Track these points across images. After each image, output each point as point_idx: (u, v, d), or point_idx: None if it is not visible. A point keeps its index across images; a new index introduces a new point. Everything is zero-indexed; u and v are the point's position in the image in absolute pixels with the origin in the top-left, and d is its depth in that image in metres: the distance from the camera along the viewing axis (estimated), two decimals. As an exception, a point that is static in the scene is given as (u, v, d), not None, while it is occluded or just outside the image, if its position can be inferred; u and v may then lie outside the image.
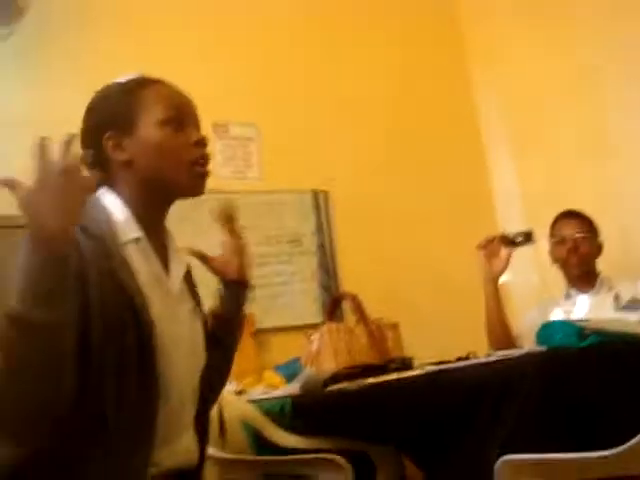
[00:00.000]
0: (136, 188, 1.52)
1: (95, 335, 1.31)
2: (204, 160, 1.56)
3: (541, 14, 4.23)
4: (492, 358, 2.03)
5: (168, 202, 1.58)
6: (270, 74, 4.00)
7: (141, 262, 1.47)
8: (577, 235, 3.09)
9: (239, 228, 1.84)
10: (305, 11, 4.24)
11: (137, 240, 1.48)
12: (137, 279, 1.43)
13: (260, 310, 3.59)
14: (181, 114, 1.56)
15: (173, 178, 1.52)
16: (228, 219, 1.89)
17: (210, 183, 3.43)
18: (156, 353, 1.40)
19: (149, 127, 1.52)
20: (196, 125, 1.60)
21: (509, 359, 1.90)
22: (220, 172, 3.73)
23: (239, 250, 1.81)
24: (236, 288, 1.78)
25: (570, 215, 3.19)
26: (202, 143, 1.56)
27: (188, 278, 1.65)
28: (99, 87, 1.62)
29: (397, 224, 4.15)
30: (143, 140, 1.52)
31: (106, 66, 3.18)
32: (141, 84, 1.58)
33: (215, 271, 1.82)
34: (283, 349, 3.43)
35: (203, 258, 1.85)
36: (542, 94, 4.21)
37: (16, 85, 3.34)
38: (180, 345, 1.49)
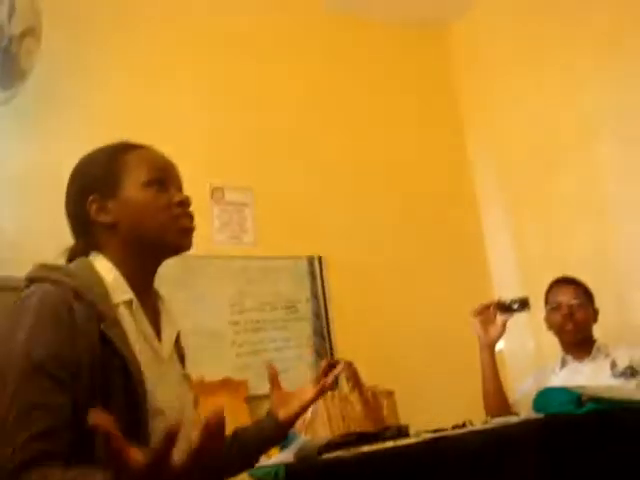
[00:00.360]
0: (123, 250, 1.53)
1: (83, 398, 1.30)
2: (188, 217, 1.57)
3: (536, 77, 4.31)
4: (489, 425, 2.01)
5: (156, 261, 1.58)
6: (266, 139, 4.04)
7: (132, 324, 1.46)
8: (572, 302, 3.09)
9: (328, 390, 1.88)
10: (301, 77, 4.31)
11: (129, 302, 1.48)
12: (128, 341, 1.42)
13: (254, 376, 3.57)
14: (163, 176, 1.57)
15: (158, 236, 1.53)
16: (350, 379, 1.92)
17: (206, 248, 3.45)
18: (147, 415, 1.38)
19: (133, 189, 1.54)
20: (179, 187, 1.61)
21: (507, 426, 1.88)
22: (216, 237, 3.75)
23: (306, 405, 1.82)
24: (275, 428, 1.78)
25: (565, 281, 3.19)
26: (185, 203, 1.57)
27: (178, 343, 1.64)
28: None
29: (392, 290, 4.15)
30: (127, 202, 1.53)
31: (105, 130, 3.21)
32: (124, 149, 1.60)
33: (274, 398, 1.84)
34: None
35: (274, 379, 1.88)
36: (537, 157, 4.26)
37: (18, 146, 3.36)
38: (171, 408, 1.47)
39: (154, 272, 1.59)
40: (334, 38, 4.53)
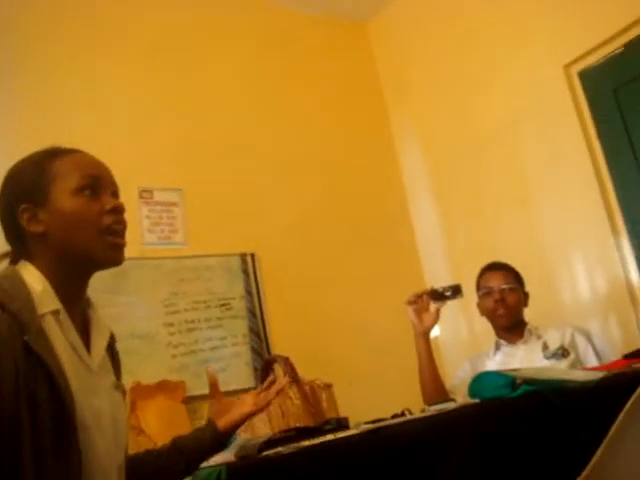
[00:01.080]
0: (53, 260, 1.49)
1: (7, 410, 1.27)
2: (119, 227, 1.53)
3: (456, 67, 4.37)
4: (427, 413, 2.03)
5: (86, 273, 1.55)
6: (194, 138, 4.01)
7: (59, 335, 1.43)
8: (503, 286, 3.14)
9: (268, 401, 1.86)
10: (228, 75, 4.29)
11: (56, 312, 1.45)
12: (54, 352, 1.39)
13: (191, 377, 3.55)
14: (95, 182, 1.53)
15: (87, 249, 1.49)
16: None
17: (137, 250, 3.39)
18: (75, 427, 1.35)
19: (62, 197, 1.49)
20: (113, 192, 1.57)
21: (444, 413, 1.90)
22: (146, 238, 3.70)
23: (245, 417, 1.81)
24: (214, 438, 1.76)
25: (495, 267, 3.25)
26: (117, 210, 1.53)
27: (111, 350, 1.61)
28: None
29: (326, 284, 4.17)
30: (56, 211, 1.49)
31: (31, 135, 3.16)
32: (53, 155, 1.55)
33: (213, 406, 1.82)
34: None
35: (213, 386, 1.87)
36: (462, 146, 4.33)
37: None
38: (101, 419, 1.45)
39: (86, 282, 1.56)
40: (262, 34, 4.52)
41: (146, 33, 4.05)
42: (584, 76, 3.74)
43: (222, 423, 1.77)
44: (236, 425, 1.78)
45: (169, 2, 4.18)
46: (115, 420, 1.52)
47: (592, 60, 3.69)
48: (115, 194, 1.57)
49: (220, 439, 1.76)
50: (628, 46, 3.54)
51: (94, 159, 1.59)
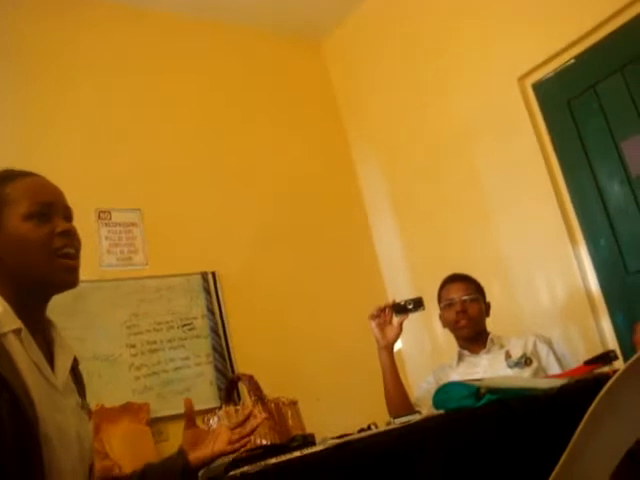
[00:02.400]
0: (9, 283, 1.49)
1: None
2: (70, 250, 1.53)
3: (411, 83, 4.41)
4: (392, 427, 2.03)
5: (43, 296, 1.55)
6: (151, 158, 3.99)
7: (22, 352, 1.42)
8: (464, 297, 3.17)
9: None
10: (185, 95, 4.28)
11: (17, 331, 1.44)
12: (17, 369, 1.37)
13: (155, 398, 3.52)
14: (46, 207, 1.53)
15: (40, 273, 1.49)
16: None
17: (96, 272, 3.36)
18: (39, 443, 1.34)
19: (13, 222, 1.49)
20: (65, 216, 1.57)
21: (409, 426, 1.90)
22: (106, 260, 3.67)
23: (219, 452, 1.76)
24: (185, 469, 1.72)
25: (456, 278, 3.27)
26: (67, 233, 1.54)
27: (74, 372, 1.60)
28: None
29: (288, 301, 4.16)
30: (8, 236, 1.49)
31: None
32: (5, 179, 1.55)
33: (187, 436, 1.79)
34: (181, 437, 3.33)
35: (189, 417, 1.84)
36: (419, 161, 4.37)
37: None
38: (65, 437, 1.44)
39: (44, 304, 1.56)
40: (217, 53, 4.53)
41: (100, 55, 4.02)
42: (538, 88, 3.79)
43: (193, 456, 1.73)
44: (207, 461, 1.74)
45: (125, 25, 4.15)
46: (80, 438, 1.51)
47: (545, 72, 3.75)
48: (67, 217, 1.57)
49: (190, 472, 1.73)
50: (579, 58, 3.61)
51: (46, 184, 1.59)
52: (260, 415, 2.01)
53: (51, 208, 1.54)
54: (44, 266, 1.49)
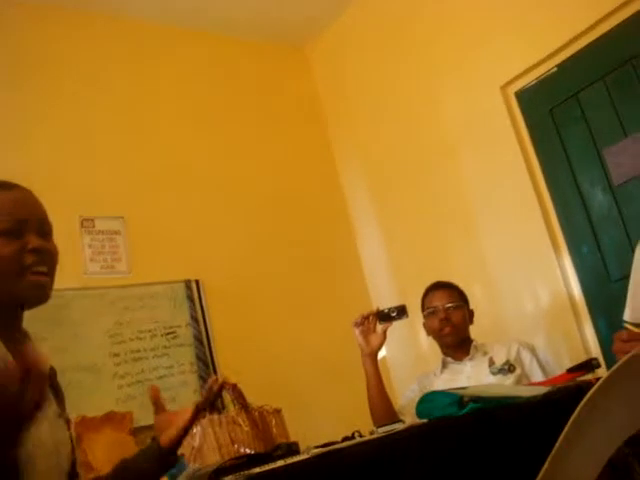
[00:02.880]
0: None
1: None
2: (41, 268, 1.52)
3: (395, 92, 4.43)
4: (376, 435, 2.03)
5: (14, 312, 1.53)
6: (135, 166, 3.98)
7: None
8: (448, 305, 3.17)
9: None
10: (169, 102, 4.27)
11: None
12: None
13: (138, 407, 3.49)
14: (18, 223, 1.51)
15: (9, 289, 1.48)
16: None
17: (79, 281, 3.34)
18: (15, 457, 1.33)
19: None
20: (42, 232, 1.56)
21: (392, 435, 1.90)
22: (89, 268, 3.65)
23: (186, 425, 1.75)
24: (160, 454, 1.71)
25: (440, 286, 3.27)
26: (39, 250, 1.52)
27: (52, 381, 1.59)
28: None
29: (272, 309, 4.16)
30: None
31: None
32: None
33: (157, 422, 1.78)
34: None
35: (156, 402, 1.83)
36: (404, 169, 4.37)
37: None
38: (42, 448, 1.42)
39: (18, 319, 1.55)
40: (202, 61, 4.52)
41: (83, 63, 4.01)
42: (521, 96, 3.82)
43: (163, 438, 1.72)
44: (178, 437, 1.73)
45: (107, 33, 4.15)
46: (58, 448, 1.50)
47: (527, 80, 3.77)
48: (44, 233, 1.55)
49: (166, 454, 1.71)
50: (561, 66, 3.63)
51: (25, 199, 1.57)
52: (227, 380, 1.99)
53: (25, 224, 1.52)
54: (13, 283, 1.48)
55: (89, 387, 3.43)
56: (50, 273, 1.54)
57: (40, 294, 1.52)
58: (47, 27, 3.94)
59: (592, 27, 3.47)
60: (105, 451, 3.14)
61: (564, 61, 3.62)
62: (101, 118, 3.97)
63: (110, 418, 3.35)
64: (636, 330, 1.78)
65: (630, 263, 2.32)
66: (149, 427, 3.44)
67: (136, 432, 3.42)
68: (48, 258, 1.53)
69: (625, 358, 1.22)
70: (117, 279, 3.73)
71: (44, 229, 1.57)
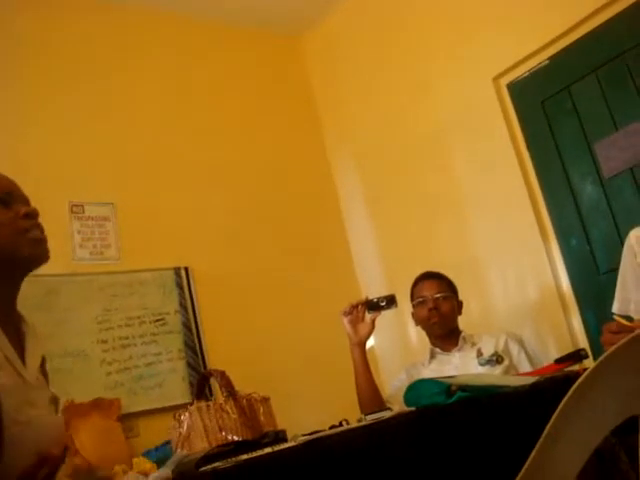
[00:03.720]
0: None
1: None
2: (36, 232, 1.56)
3: (387, 82, 4.43)
4: (364, 423, 2.03)
5: (15, 280, 1.55)
6: (125, 152, 3.96)
7: None
8: (437, 295, 3.18)
9: None
10: (160, 88, 4.25)
11: None
12: None
13: (126, 394, 3.50)
14: (6, 195, 1.56)
15: (11, 250, 1.51)
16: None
17: (68, 266, 3.33)
18: (13, 441, 1.32)
19: None
20: (24, 202, 1.60)
21: (380, 422, 1.91)
22: (78, 254, 3.64)
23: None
24: None
25: (429, 276, 3.28)
26: (31, 214, 1.57)
27: (42, 368, 1.60)
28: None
29: (261, 297, 4.15)
30: None
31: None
32: None
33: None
34: (153, 433, 3.32)
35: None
36: (394, 158, 4.38)
37: None
38: (42, 431, 1.42)
39: (15, 294, 1.56)
40: (195, 48, 4.51)
41: (72, 49, 3.99)
42: (512, 88, 3.82)
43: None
44: None
45: (97, 17, 4.12)
46: (56, 429, 1.51)
47: (519, 72, 3.78)
48: (27, 203, 1.62)
49: None
50: (553, 59, 3.64)
51: (5, 178, 1.62)
52: None
53: (10, 196, 1.57)
54: (13, 243, 1.51)
55: (77, 373, 3.43)
56: (44, 234, 1.58)
57: (41, 251, 1.56)
58: (38, 13, 3.91)
59: (584, 20, 3.47)
60: (92, 437, 3.13)
61: (556, 54, 3.62)
62: (91, 104, 3.95)
63: (98, 404, 3.35)
64: (625, 322, 1.80)
65: (619, 256, 2.33)
66: (137, 414, 3.47)
67: (123, 419, 3.42)
68: (39, 224, 1.58)
69: (612, 349, 1.22)
70: (106, 265, 3.72)
71: (27, 199, 1.62)
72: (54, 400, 1.58)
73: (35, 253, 1.54)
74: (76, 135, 3.84)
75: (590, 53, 3.49)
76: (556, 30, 3.56)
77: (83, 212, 3.72)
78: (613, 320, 1.83)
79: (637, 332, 1.21)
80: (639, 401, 1.27)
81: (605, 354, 1.23)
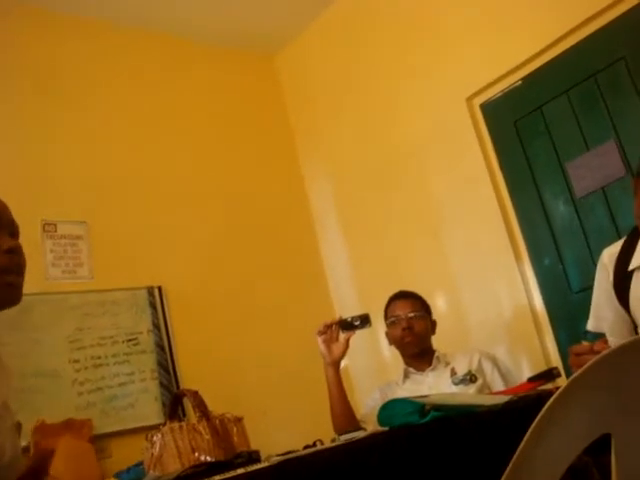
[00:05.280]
0: None
1: None
2: (15, 268, 1.49)
3: (361, 101, 4.44)
4: (337, 443, 2.02)
5: None
6: (98, 171, 3.95)
7: None
8: (410, 315, 3.18)
9: None
10: (132, 108, 4.24)
11: None
12: None
13: (98, 414, 3.46)
14: None
15: None
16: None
17: (40, 285, 3.30)
18: None
19: None
20: (10, 233, 1.53)
21: (353, 442, 1.90)
22: (50, 272, 3.60)
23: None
24: None
25: (402, 296, 3.29)
26: (13, 251, 1.49)
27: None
28: None
29: (235, 317, 4.14)
30: None
31: None
32: None
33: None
34: (125, 454, 3.29)
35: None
36: (370, 177, 4.39)
37: None
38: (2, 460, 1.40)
39: None
40: (167, 67, 4.51)
41: (45, 65, 3.97)
42: (485, 108, 3.85)
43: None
44: None
45: (73, 35, 4.11)
46: (15, 458, 1.47)
47: (493, 93, 3.81)
48: (13, 234, 1.53)
49: None
50: (526, 80, 3.68)
51: None
52: None
53: None
54: None
55: (49, 393, 3.38)
56: (22, 273, 1.51)
57: (12, 295, 1.49)
58: (15, 30, 3.89)
59: (556, 42, 3.52)
60: (63, 459, 3.09)
61: (529, 75, 3.66)
62: (64, 122, 3.93)
63: (69, 425, 3.31)
64: (586, 344, 1.85)
65: (591, 275, 2.35)
66: (109, 435, 3.43)
67: (95, 440, 3.38)
68: (21, 259, 1.50)
69: (583, 368, 1.23)
70: (79, 284, 3.69)
71: (14, 230, 1.54)
72: (17, 426, 1.55)
73: (6, 299, 1.48)
74: (49, 153, 3.82)
75: (562, 74, 3.53)
76: (529, 51, 3.60)
77: (56, 230, 3.70)
78: (583, 339, 1.87)
79: (608, 350, 1.22)
80: (611, 419, 1.28)
81: (577, 372, 1.23)
